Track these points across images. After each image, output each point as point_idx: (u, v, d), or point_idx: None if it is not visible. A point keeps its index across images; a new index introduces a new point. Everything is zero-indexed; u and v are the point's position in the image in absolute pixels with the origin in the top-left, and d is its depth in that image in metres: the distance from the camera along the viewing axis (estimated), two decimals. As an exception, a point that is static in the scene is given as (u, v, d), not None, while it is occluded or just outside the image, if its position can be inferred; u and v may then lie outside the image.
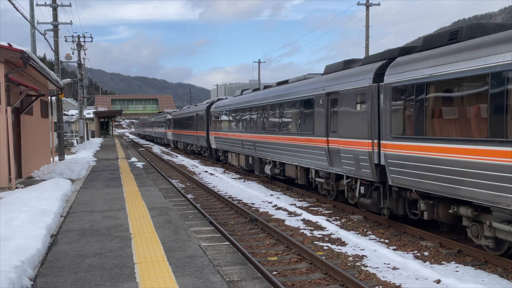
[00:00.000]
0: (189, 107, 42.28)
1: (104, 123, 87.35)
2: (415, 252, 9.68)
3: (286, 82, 18.55)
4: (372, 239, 10.68)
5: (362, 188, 12.07)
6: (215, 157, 30.41)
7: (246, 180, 21.65)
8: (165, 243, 8.06)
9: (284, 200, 15.84)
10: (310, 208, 14.41)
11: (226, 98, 29.95)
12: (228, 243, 8.23)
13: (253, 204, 15.37)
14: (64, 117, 36.26)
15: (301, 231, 11.51)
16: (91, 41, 47.68)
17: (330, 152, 13.52)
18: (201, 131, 32.11)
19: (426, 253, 9.55)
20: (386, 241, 10.58)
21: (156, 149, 51.97)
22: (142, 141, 77.20)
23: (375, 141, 11.26)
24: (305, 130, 15.28)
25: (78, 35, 46.73)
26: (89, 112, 67.68)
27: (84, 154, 31.35)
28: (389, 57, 11.54)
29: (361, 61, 13.15)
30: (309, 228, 11.80)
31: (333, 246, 10.15)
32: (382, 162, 11.07)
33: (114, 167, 22.72)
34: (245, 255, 8.68)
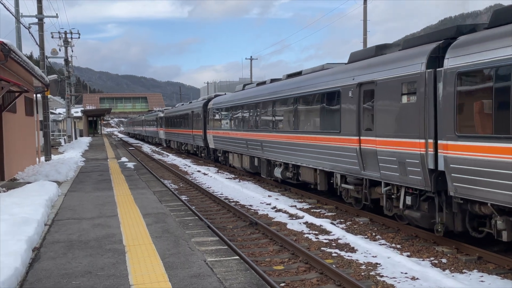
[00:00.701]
0: (182, 104, 40.31)
1: (93, 122, 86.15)
2: (432, 259, 9.02)
3: (299, 73, 16.70)
4: (383, 244, 10.03)
5: (409, 198, 10.06)
6: (213, 158, 28.43)
7: (241, 180, 20.88)
8: (165, 257, 7.11)
9: (283, 202, 15.14)
10: (312, 210, 13.73)
11: (225, 94, 27.94)
12: (237, 257, 7.28)
13: (251, 206, 14.64)
14: (51, 116, 35.21)
15: (306, 235, 10.83)
16: (79, 37, 46.52)
17: (363, 154, 11.51)
18: (198, 130, 30.35)
19: (444, 260, 8.90)
20: (398, 246, 9.92)
21: (146, 148, 51.05)
22: (131, 140, 76.29)
23: (430, 141, 9.23)
24: (328, 128, 13.26)
25: (65, 31, 45.56)
26: (77, 111, 66.33)
27: (72, 154, 30.35)
28: (444, 37, 9.40)
29: (399, 46, 11.27)
30: (314, 232, 11.11)
31: (342, 253, 9.47)
32: (440, 167, 9.06)
33: (103, 168, 21.84)
34: (261, 275, 7.66)
